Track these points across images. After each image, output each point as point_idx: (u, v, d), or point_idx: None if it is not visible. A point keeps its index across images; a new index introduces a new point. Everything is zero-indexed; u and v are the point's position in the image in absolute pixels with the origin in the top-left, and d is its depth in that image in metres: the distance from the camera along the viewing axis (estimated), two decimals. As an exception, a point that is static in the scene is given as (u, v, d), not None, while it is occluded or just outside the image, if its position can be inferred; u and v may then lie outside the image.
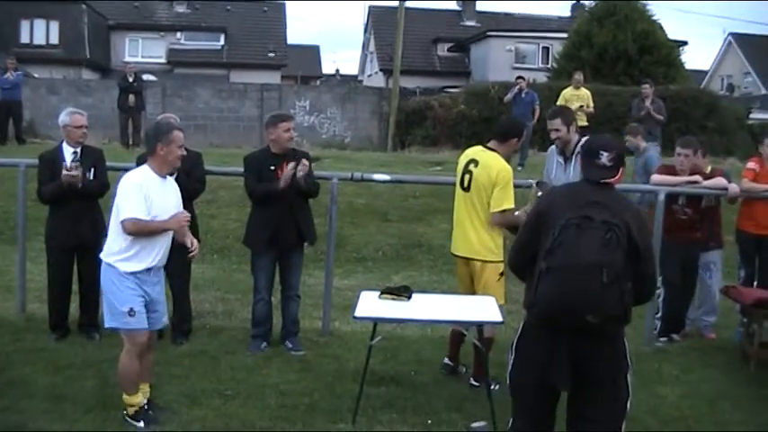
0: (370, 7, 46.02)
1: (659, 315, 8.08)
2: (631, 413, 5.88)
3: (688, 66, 33.38)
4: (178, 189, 5.74)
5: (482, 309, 5.79)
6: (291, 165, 6.90)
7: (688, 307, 8.22)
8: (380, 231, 12.66)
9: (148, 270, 5.44)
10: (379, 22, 43.77)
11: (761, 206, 8.09)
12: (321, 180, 7.65)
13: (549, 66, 35.01)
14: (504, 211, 6.22)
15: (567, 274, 3.88)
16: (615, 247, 3.85)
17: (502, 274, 6.36)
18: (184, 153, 5.73)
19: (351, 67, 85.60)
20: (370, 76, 45.65)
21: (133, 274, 5.34)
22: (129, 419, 5.46)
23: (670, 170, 8.09)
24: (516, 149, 6.72)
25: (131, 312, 5.32)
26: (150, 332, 5.58)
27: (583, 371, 4.07)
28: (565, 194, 4.26)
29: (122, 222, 5.29)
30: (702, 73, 46.73)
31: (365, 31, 47.27)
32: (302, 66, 46.30)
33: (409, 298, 5.94)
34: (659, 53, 30.40)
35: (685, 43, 35.30)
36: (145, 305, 5.43)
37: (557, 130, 6.66)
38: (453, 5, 46.90)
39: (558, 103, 16.11)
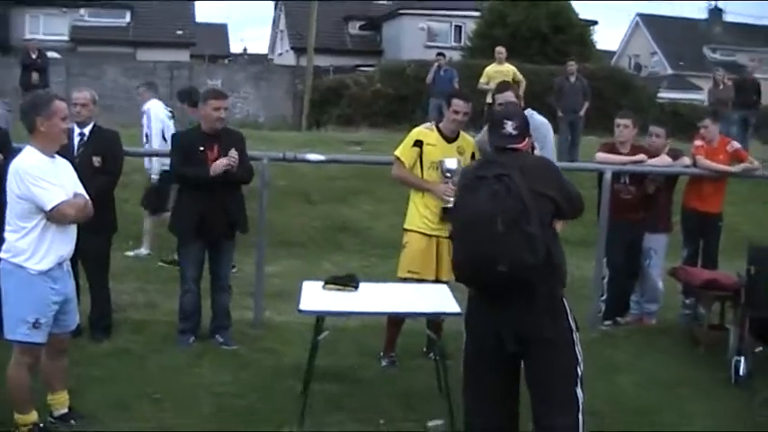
0: (280, -16, 45.08)
1: (604, 298, 7.83)
2: (589, 405, 5.67)
3: (597, 46, 33.68)
4: (71, 167, 5.05)
5: (436, 298, 5.39)
6: (225, 159, 6.40)
7: (632, 289, 7.96)
8: (304, 214, 12.19)
9: (60, 265, 4.83)
10: (290, -1, 42.87)
11: (709, 184, 7.89)
12: (250, 161, 7.13)
13: (462, 44, 34.82)
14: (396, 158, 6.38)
15: (465, 233, 3.98)
16: (506, 195, 3.86)
17: (404, 246, 6.36)
18: (69, 126, 5.12)
19: (258, 46, 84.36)
20: (280, 54, 44.75)
21: (45, 272, 4.72)
22: None
23: (611, 147, 7.79)
24: (451, 117, 6.31)
25: (36, 324, 4.68)
26: (63, 334, 5.00)
27: (524, 332, 3.98)
28: (473, 168, 4.31)
29: (52, 212, 4.65)
30: (610, 53, 47.30)
31: (275, 8, 46.30)
32: (210, 45, 45.02)
33: (356, 288, 5.48)
34: (572, 32, 30.52)
35: (595, 23, 35.49)
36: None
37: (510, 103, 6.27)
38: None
39: (482, 80, 15.78)
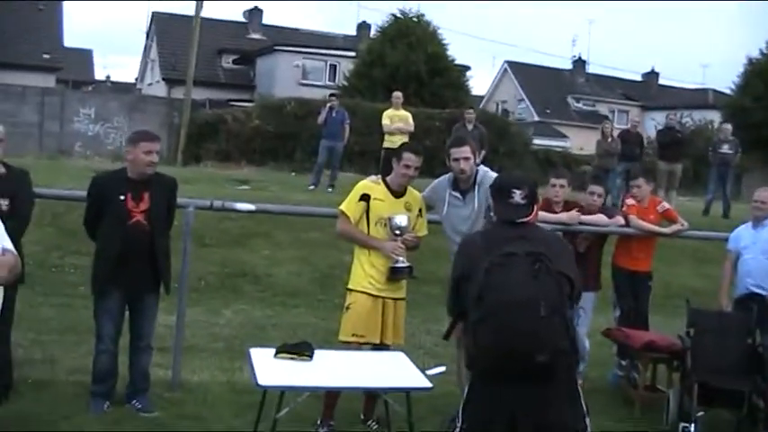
0: (153, 13, 43.77)
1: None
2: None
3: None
4: None
5: (398, 367, 5.01)
6: None
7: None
8: (200, 258, 11.49)
9: None
10: (163, 28, 41.69)
11: (638, 242, 7.84)
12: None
13: (336, 83, 34.71)
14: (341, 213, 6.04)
15: (504, 317, 3.51)
16: (545, 277, 3.54)
17: (347, 307, 5.98)
18: None
19: (122, 75, 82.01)
20: (150, 84, 43.41)
21: None
22: None
23: (546, 204, 7.61)
24: (401, 172, 6.02)
25: None
26: None
27: (545, 421, 3.63)
28: (480, 243, 3.90)
29: None
30: (478, 97, 48.25)
31: (147, 37, 44.96)
32: (74, 70, 43.28)
33: (311, 357, 5.03)
34: (449, 76, 30.92)
35: (468, 68, 36.03)
36: None
37: (466, 158, 6.00)
38: (239, 17, 45.58)
39: (383, 122, 15.56)
